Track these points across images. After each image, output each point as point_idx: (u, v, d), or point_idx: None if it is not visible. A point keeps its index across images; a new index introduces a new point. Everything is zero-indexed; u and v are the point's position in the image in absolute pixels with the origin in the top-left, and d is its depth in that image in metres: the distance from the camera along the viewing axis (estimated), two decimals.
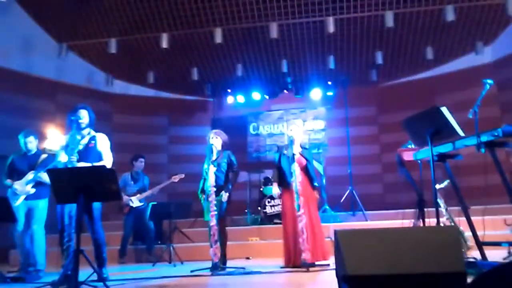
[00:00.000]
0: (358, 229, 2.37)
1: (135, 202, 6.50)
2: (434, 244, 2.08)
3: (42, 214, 4.90)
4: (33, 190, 4.83)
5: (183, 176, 6.62)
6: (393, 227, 2.38)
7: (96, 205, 4.20)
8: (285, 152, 5.01)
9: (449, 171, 4.19)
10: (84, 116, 4.35)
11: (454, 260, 2.05)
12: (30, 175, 4.83)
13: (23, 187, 4.82)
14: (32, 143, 5.03)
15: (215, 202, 4.71)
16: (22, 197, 4.81)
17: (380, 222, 6.67)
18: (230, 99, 10.00)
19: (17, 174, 4.92)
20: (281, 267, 4.71)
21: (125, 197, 6.46)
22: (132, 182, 6.65)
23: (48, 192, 4.86)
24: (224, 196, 4.86)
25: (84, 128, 4.35)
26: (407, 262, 2.06)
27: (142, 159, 6.77)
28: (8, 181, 4.93)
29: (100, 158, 4.33)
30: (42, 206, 4.90)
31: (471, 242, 4.12)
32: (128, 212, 6.51)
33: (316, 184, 5.02)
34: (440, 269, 2.06)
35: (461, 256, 2.10)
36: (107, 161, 4.32)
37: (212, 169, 4.80)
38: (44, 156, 5.03)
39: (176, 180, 6.63)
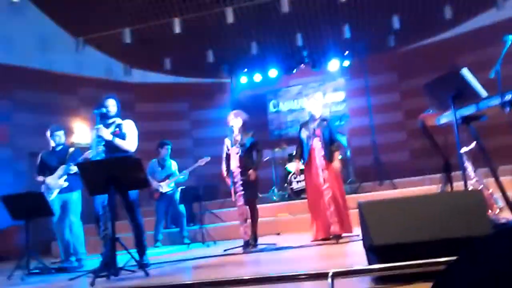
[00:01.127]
0: (381, 200, 2.40)
1: (164, 187, 6.67)
2: (458, 209, 2.08)
3: (77, 206, 5.09)
4: (65, 184, 5.02)
5: (208, 159, 6.72)
6: (416, 194, 2.38)
7: (133, 194, 4.21)
8: (303, 128, 5.01)
9: (474, 133, 4.12)
10: (112, 105, 4.38)
11: (479, 223, 2.06)
12: (60, 170, 5.02)
13: (55, 181, 5.01)
14: (60, 137, 5.20)
15: (241, 182, 4.79)
16: (56, 191, 5.02)
17: (408, 190, 6.64)
18: (247, 79, 9.98)
19: (48, 169, 5.11)
20: (311, 241, 4.78)
21: (154, 183, 6.65)
22: (160, 168, 6.81)
23: (80, 184, 5.03)
24: (252, 174, 4.89)
25: (112, 117, 4.40)
26: (432, 228, 2.07)
27: (168, 145, 6.91)
28: (40, 177, 5.14)
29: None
30: (76, 198, 5.09)
31: (501, 203, 4.08)
32: (159, 198, 6.70)
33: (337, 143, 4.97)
34: (466, 233, 2.06)
35: (487, 219, 2.10)
36: (129, 143, 4.29)
37: (235, 150, 4.86)
38: (72, 149, 5.19)
39: (203, 164, 6.74)
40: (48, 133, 5.21)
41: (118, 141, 4.20)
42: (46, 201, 4.70)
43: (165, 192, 6.67)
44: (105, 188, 3.76)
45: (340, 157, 5.04)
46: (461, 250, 1.09)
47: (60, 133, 5.20)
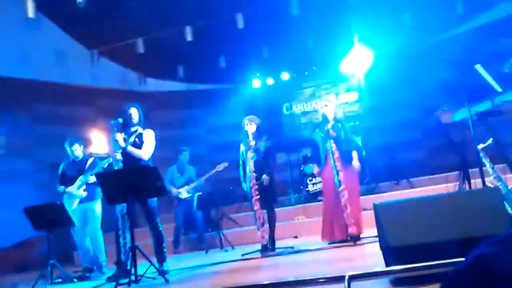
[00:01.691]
0: (396, 201, 2.39)
1: (183, 193, 6.74)
2: (475, 208, 2.06)
3: (98, 215, 5.19)
4: (85, 194, 5.13)
5: (227, 164, 6.76)
6: (432, 194, 2.37)
7: (152, 201, 4.27)
8: (317, 130, 5.01)
9: (491, 129, 4.07)
10: (134, 113, 4.44)
11: (497, 222, 2.03)
12: (79, 180, 5.12)
13: (75, 191, 5.12)
14: (77, 150, 5.31)
15: (256, 186, 4.81)
16: (77, 201, 5.13)
17: (425, 188, 6.55)
18: (260, 83, 10.00)
19: (69, 180, 5.23)
20: (329, 243, 4.76)
21: (173, 190, 6.73)
22: (179, 175, 6.89)
23: (100, 193, 5.12)
24: (266, 180, 4.90)
25: (134, 125, 4.46)
26: (449, 228, 2.06)
27: (186, 152, 6.98)
28: (61, 188, 5.25)
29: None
30: (96, 207, 5.20)
31: None
32: (178, 204, 6.77)
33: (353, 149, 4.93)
34: (485, 232, 2.04)
35: (505, 217, 2.08)
36: (144, 151, 4.32)
37: (250, 155, 4.89)
38: (91, 159, 5.30)
39: (221, 169, 6.79)
40: (66, 145, 5.33)
41: (131, 149, 4.27)
42: (66, 212, 4.80)
43: (184, 198, 6.73)
44: (124, 197, 3.83)
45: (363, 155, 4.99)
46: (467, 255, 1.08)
47: (77, 146, 5.31)
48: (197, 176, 6.95)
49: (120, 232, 4.33)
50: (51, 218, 4.74)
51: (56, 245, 5.24)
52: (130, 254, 3.71)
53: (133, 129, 4.43)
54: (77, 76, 8.89)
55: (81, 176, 5.13)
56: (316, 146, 5.05)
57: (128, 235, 4.03)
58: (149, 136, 4.45)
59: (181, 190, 6.75)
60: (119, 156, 4.29)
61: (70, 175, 5.24)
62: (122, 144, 4.27)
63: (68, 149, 5.30)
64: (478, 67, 3.50)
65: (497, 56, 6.54)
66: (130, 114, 4.41)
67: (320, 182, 7.29)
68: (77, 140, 5.40)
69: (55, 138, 8.04)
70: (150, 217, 4.27)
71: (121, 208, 4.31)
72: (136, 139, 4.37)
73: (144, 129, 4.51)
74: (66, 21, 8.55)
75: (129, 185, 3.77)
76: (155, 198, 4.25)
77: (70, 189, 5.15)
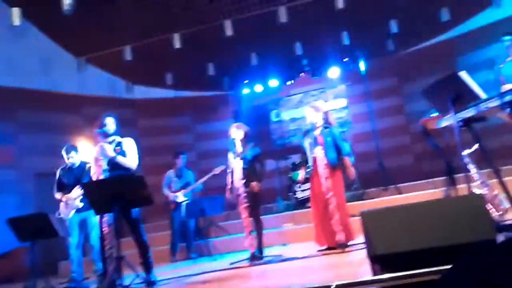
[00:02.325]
0: (383, 208, 2.39)
1: (180, 197, 6.69)
2: (460, 215, 2.07)
3: (96, 223, 5.12)
4: (81, 204, 5.09)
5: (224, 167, 6.71)
6: (418, 201, 2.38)
7: (135, 211, 4.23)
8: (305, 137, 5.01)
9: (476, 135, 4.11)
10: (110, 123, 4.41)
11: (482, 228, 2.04)
12: (75, 191, 5.08)
13: (72, 201, 5.09)
14: (73, 158, 5.28)
15: (244, 194, 4.79)
16: (73, 210, 5.09)
17: (413, 194, 6.59)
18: (248, 90, 10.01)
19: (65, 187, 5.21)
20: (318, 251, 4.75)
21: (170, 195, 6.70)
22: (176, 179, 6.85)
23: None
24: (256, 187, 4.88)
25: (111, 135, 4.44)
26: (434, 235, 2.06)
27: (183, 155, 6.96)
28: (58, 195, 5.21)
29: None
30: (94, 215, 5.12)
31: (507, 204, 4.04)
32: (174, 208, 6.72)
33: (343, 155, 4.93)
34: (470, 238, 2.05)
35: (489, 223, 2.09)
36: (131, 160, 4.29)
37: (238, 162, 4.87)
38: (88, 165, 5.25)
39: (218, 172, 6.75)
40: (63, 152, 5.31)
41: (120, 159, 4.23)
42: (51, 223, 4.72)
43: (181, 202, 6.67)
44: (110, 207, 3.78)
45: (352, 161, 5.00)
46: (455, 261, 1.08)
47: (73, 153, 5.30)
48: (195, 180, 6.94)
49: (106, 242, 4.27)
50: (36, 228, 4.66)
51: (41, 256, 5.15)
52: (116, 264, 3.65)
53: (110, 138, 4.40)
54: (64, 83, 8.81)
55: (78, 186, 5.08)
56: (305, 153, 5.04)
57: (114, 245, 3.96)
58: (130, 145, 4.41)
59: (177, 193, 6.71)
60: (104, 165, 4.24)
61: (67, 182, 5.23)
62: (112, 154, 4.21)
63: (65, 156, 5.25)
64: (462, 74, 3.53)
65: (481, 63, 6.68)
66: (107, 124, 4.38)
67: (309, 189, 7.28)
68: (74, 148, 5.38)
69: (41, 146, 7.96)
70: (134, 227, 4.22)
71: (106, 217, 4.25)
72: (117, 148, 4.34)
73: (125, 136, 4.49)
74: (53, 28, 8.48)
75: (116, 194, 3.72)
76: (138, 208, 4.22)
77: (67, 197, 5.11)
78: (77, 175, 5.18)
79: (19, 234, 4.77)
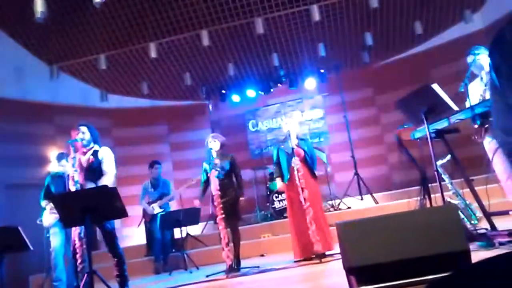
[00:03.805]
0: (358, 219, 2.39)
1: (155, 208, 6.56)
2: (433, 225, 2.08)
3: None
4: None
5: (199, 177, 6.66)
6: (391, 213, 2.39)
7: (110, 223, 4.12)
8: (282, 147, 5.03)
9: (448, 146, 4.20)
10: (85, 132, 4.31)
11: (456, 239, 2.06)
12: None
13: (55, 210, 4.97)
14: (64, 167, 5.12)
15: (221, 205, 4.74)
16: (57, 216, 4.95)
17: (388, 204, 6.68)
18: (225, 100, 9.99)
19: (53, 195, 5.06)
20: (294, 261, 4.74)
21: (146, 205, 6.56)
22: (152, 189, 6.72)
23: None
24: (242, 201, 4.95)
25: (88, 145, 4.33)
26: (409, 246, 2.07)
27: (158, 165, 6.84)
28: (44, 202, 5.11)
29: (101, 173, 4.23)
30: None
31: (479, 213, 4.13)
32: (151, 220, 6.59)
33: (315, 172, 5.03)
34: (443, 249, 2.07)
35: (463, 234, 2.11)
36: (107, 176, 4.17)
37: (214, 173, 4.83)
38: None
39: (194, 182, 6.68)
40: (54, 159, 5.25)
41: (101, 182, 4.09)
42: (21, 236, 4.55)
43: (157, 214, 6.53)
44: (81, 219, 3.66)
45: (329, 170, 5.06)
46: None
47: (64, 162, 5.16)
48: (172, 190, 6.85)
49: (78, 256, 4.14)
50: (5, 242, 4.49)
51: (11, 270, 4.96)
52: (87, 279, 3.54)
53: (85, 148, 4.29)
54: (36, 92, 8.57)
55: None
56: (278, 164, 5.07)
57: (86, 259, 3.84)
58: (106, 156, 4.29)
59: (153, 205, 6.58)
60: (76, 176, 4.12)
61: (55, 190, 5.09)
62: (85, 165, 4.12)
63: (56, 164, 5.14)
64: (435, 86, 3.61)
65: (453, 76, 6.84)
66: (82, 133, 4.27)
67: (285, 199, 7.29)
68: (66, 156, 5.22)
69: (12, 157, 7.70)
70: (109, 240, 4.10)
71: (78, 230, 4.13)
72: (91, 157, 4.22)
73: (100, 146, 4.38)
74: (25, 36, 8.28)
75: (88, 206, 3.62)
76: (113, 221, 4.10)
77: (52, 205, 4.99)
78: (66, 184, 5.04)
79: None
